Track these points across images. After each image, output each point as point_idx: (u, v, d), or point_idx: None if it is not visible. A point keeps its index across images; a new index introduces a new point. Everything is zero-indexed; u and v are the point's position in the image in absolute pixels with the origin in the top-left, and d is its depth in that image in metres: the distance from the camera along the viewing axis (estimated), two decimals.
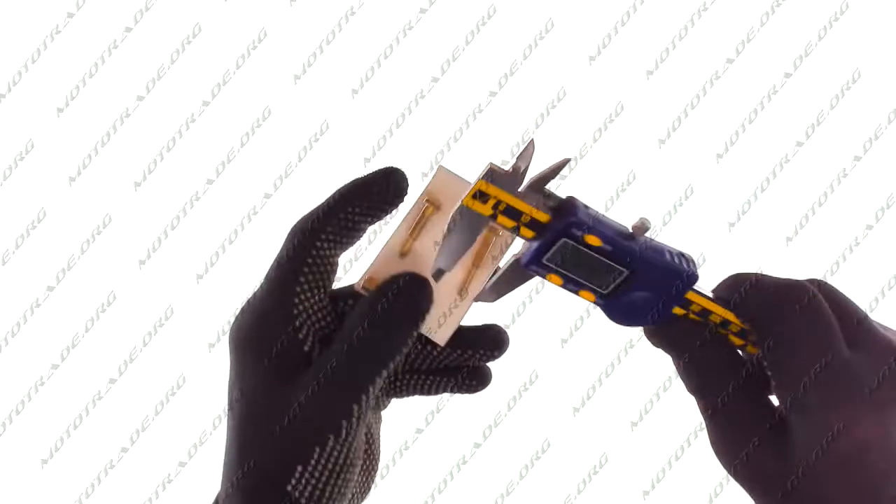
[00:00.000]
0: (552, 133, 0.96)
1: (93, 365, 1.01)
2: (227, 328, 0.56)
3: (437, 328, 0.57)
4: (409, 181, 0.55)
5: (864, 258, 0.96)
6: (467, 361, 0.59)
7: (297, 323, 0.54)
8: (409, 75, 0.99)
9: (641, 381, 0.91)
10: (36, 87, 1.02)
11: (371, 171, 0.55)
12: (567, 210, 0.51)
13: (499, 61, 0.99)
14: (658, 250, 0.52)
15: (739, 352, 0.54)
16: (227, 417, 0.55)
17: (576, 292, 0.53)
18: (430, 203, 0.56)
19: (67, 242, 1.02)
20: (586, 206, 0.52)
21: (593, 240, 0.51)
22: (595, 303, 0.53)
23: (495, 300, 0.55)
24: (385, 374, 0.53)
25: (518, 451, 0.96)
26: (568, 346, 0.89)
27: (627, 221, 0.53)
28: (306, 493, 0.51)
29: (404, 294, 0.54)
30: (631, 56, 1.01)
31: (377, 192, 0.54)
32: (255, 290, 0.56)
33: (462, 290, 0.57)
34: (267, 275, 0.55)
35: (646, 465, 0.95)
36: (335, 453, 0.52)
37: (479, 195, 0.51)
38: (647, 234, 0.52)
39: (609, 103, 0.98)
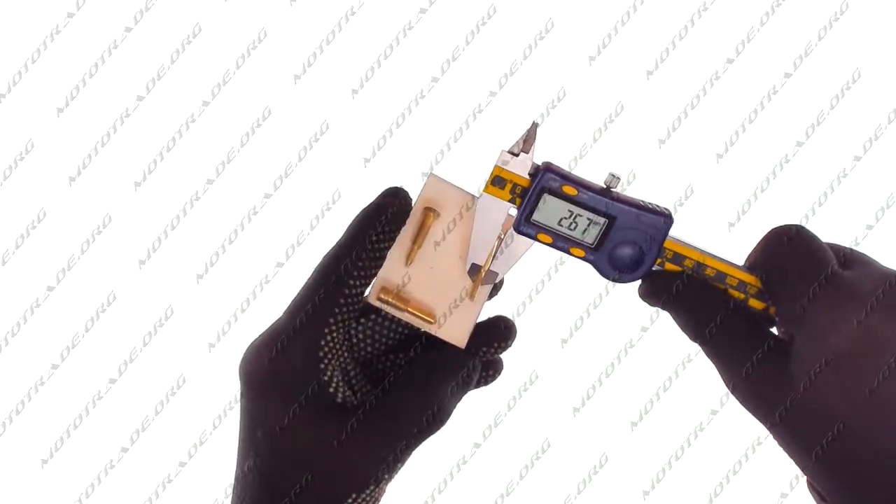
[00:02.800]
0: (552, 133, 0.96)
1: (93, 365, 1.01)
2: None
3: (456, 333, 0.58)
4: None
5: None
6: (481, 359, 0.60)
7: (323, 364, 0.54)
8: (409, 75, 0.99)
9: (641, 381, 0.91)
10: (36, 87, 1.02)
11: (379, 195, 0.56)
12: (542, 170, 0.55)
13: (499, 61, 0.99)
14: (632, 200, 0.55)
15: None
16: (246, 455, 0.55)
17: (566, 250, 0.56)
18: (430, 211, 0.57)
19: (67, 242, 1.02)
20: (560, 167, 0.55)
21: (570, 189, 0.54)
22: (585, 259, 0.56)
23: (500, 278, 0.57)
24: None
25: (518, 451, 0.96)
26: (568, 346, 0.89)
27: None
28: None
29: (466, 370, 0.57)
30: (631, 56, 1.01)
31: (393, 212, 0.55)
32: (276, 326, 0.55)
33: (471, 293, 0.58)
34: (292, 311, 0.55)
35: (646, 465, 0.95)
36: (367, 499, 0.53)
37: (497, 181, 0.55)
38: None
39: (609, 103, 0.98)
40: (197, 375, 0.97)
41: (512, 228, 0.56)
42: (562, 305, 0.85)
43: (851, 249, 0.55)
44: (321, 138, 0.99)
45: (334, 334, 0.54)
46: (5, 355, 1.01)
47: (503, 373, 0.61)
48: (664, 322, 0.57)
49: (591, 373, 0.90)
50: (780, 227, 0.54)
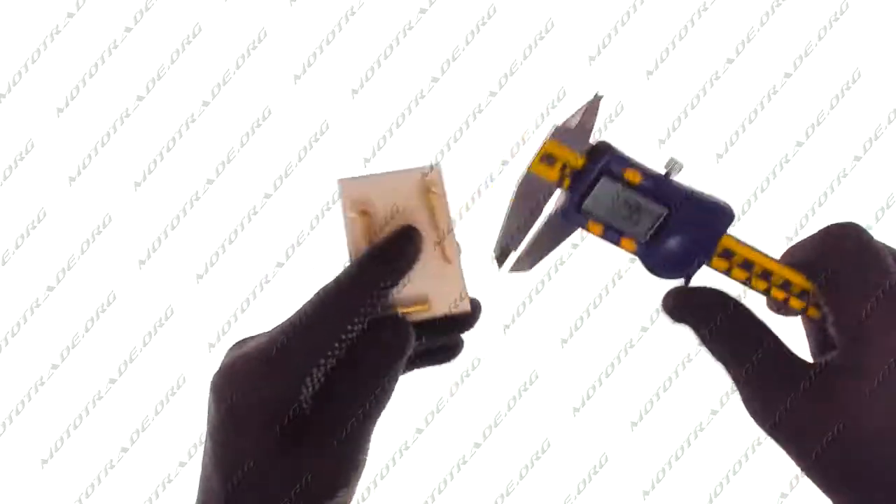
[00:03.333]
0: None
1: (93, 365, 1.01)
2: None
3: (455, 302, 0.56)
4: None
5: None
6: (443, 338, 0.59)
7: (304, 388, 0.53)
8: (409, 75, 0.99)
9: (641, 381, 0.91)
10: (36, 87, 1.02)
11: (394, 236, 0.54)
12: (602, 151, 0.48)
13: (499, 61, 0.99)
14: (694, 190, 0.50)
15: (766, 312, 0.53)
16: (211, 471, 0.54)
17: (616, 241, 0.50)
18: (361, 213, 0.56)
19: (67, 242, 1.02)
20: (621, 149, 0.49)
21: (634, 175, 0.48)
22: (636, 252, 0.50)
23: (532, 267, 0.52)
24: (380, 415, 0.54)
25: (518, 451, 0.96)
26: (568, 346, 0.89)
27: None
28: None
29: (383, 344, 0.54)
30: (631, 56, 1.01)
31: (410, 255, 0.54)
32: (265, 344, 0.54)
33: (445, 258, 0.56)
34: (283, 341, 0.53)
35: (646, 465, 0.95)
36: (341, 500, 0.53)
37: (547, 158, 0.48)
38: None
39: (609, 103, 0.98)
40: (197, 375, 0.97)
41: (557, 213, 0.50)
42: (562, 305, 0.85)
43: None
44: (321, 138, 0.99)
45: (322, 367, 0.53)
46: (5, 355, 1.01)
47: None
48: (664, 323, 0.56)
49: (591, 373, 0.90)
50: (842, 228, 0.51)
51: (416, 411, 0.87)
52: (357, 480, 0.54)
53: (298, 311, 0.54)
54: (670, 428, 0.91)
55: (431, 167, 0.54)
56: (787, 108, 1.00)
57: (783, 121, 1.00)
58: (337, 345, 0.53)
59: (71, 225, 1.03)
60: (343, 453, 0.53)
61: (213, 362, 0.58)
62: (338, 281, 0.53)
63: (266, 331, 0.56)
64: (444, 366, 0.61)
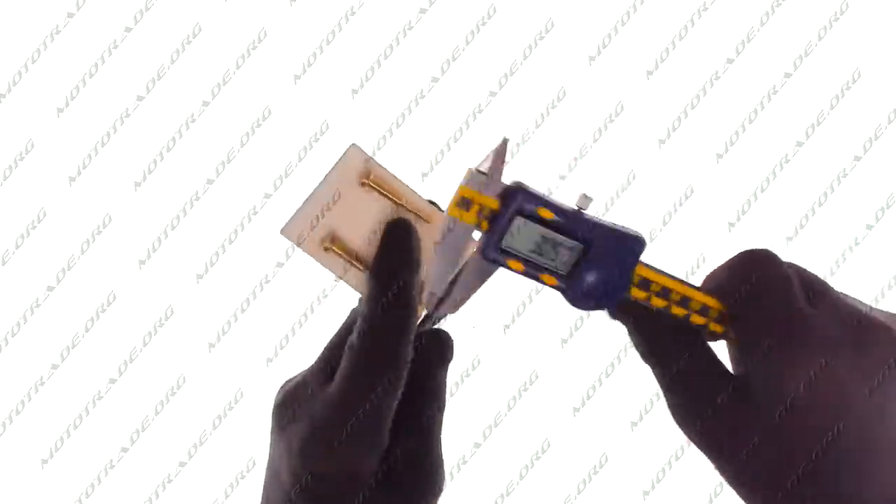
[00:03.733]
0: (552, 133, 0.96)
1: (93, 365, 1.01)
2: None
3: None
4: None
5: (865, 258, 0.96)
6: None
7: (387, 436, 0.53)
8: (409, 75, 0.99)
9: (641, 381, 0.91)
10: (36, 87, 1.02)
11: (389, 230, 0.54)
12: (515, 191, 0.50)
13: (499, 61, 0.99)
14: (606, 223, 0.52)
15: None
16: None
17: (537, 278, 0.52)
18: (326, 248, 0.55)
19: (67, 242, 1.02)
20: (533, 189, 0.51)
21: (546, 213, 0.50)
22: (556, 287, 0.52)
23: (457, 309, 0.53)
24: None
25: (518, 451, 0.96)
26: (568, 346, 0.89)
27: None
28: None
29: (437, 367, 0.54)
30: (631, 56, 1.01)
31: (415, 242, 0.53)
32: (337, 417, 0.51)
33: (426, 219, 0.55)
34: (364, 408, 0.51)
35: (646, 465, 0.95)
36: None
37: (463, 202, 0.50)
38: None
39: (609, 103, 0.98)
40: (197, 375, 0.97)
41: (478, 255, 0.51)
42: (562, 305, 0.85)
43: (816, 278, 0.53)
44: (321, 138, 0.99)
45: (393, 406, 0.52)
46: (5, 355, 1.01)
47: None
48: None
49: (591, 373, 0.90)
50: (749, 254, 0.52)
51: None
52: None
53: (358, 354, 0.52)
54: (670, 428, 0.91)
55: (346, 153, 0.54)
56: (787, 108, 1.00)
57: (783, 121, 1.00)
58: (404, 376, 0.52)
59: (71, 225, 1.03)
60: (429, 479, 0.53)
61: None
62: (377, 307, 0.52)
63: (312, 375, 0.54)
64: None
